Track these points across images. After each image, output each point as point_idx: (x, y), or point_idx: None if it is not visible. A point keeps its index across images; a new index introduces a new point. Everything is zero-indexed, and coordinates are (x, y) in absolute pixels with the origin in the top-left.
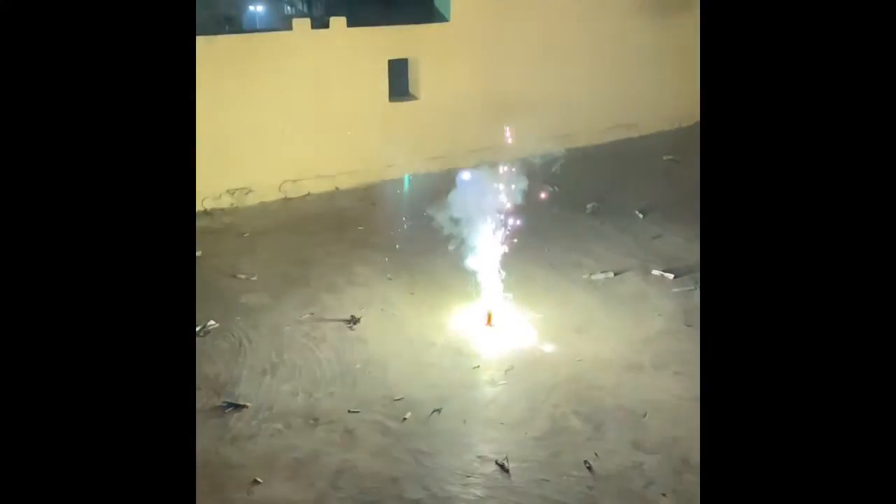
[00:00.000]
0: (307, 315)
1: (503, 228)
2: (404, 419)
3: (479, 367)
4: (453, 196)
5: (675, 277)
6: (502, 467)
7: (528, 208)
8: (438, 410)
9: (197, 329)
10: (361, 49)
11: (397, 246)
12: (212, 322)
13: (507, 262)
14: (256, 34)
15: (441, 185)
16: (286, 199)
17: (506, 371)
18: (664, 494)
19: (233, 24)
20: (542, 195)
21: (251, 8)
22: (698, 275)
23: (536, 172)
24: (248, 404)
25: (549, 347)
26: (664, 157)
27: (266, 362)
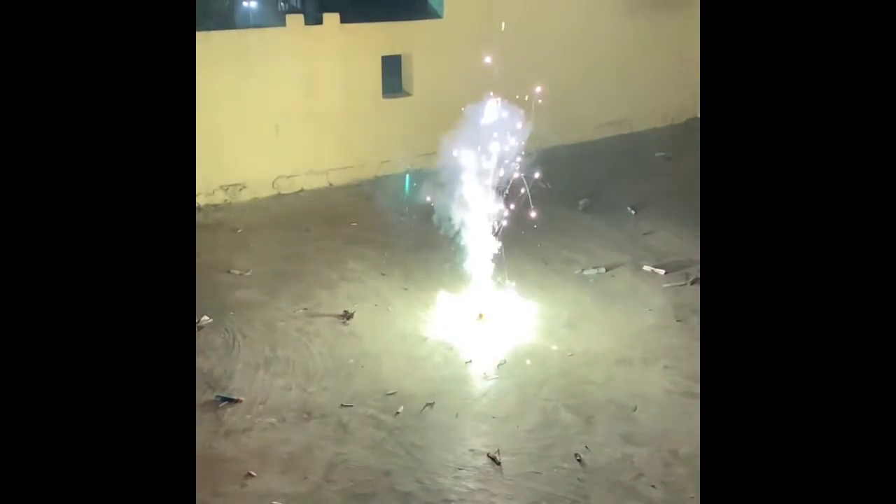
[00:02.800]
0: (301, 310)
1: (495, 221)
2: (397, 413)
3: (471, 361)
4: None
5: (666, 273)
6: (494, 460)
7: (519, 204)
8: (431, 404)
9: None
10: (355, 45)
11: (390, 242)
12: (205, 317)
13: (499, 257)
14: (250, 30)
15: (435, 181)
16: (279, 195)
17: (497, 365)
18: (653, 486)
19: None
20: (534, 190)
21: (244, 3)
22: (689, 270)
23: (529, 168)
24: (241, 399)
25: (540, 342)
26: (656, 154)
27: (260, 357)
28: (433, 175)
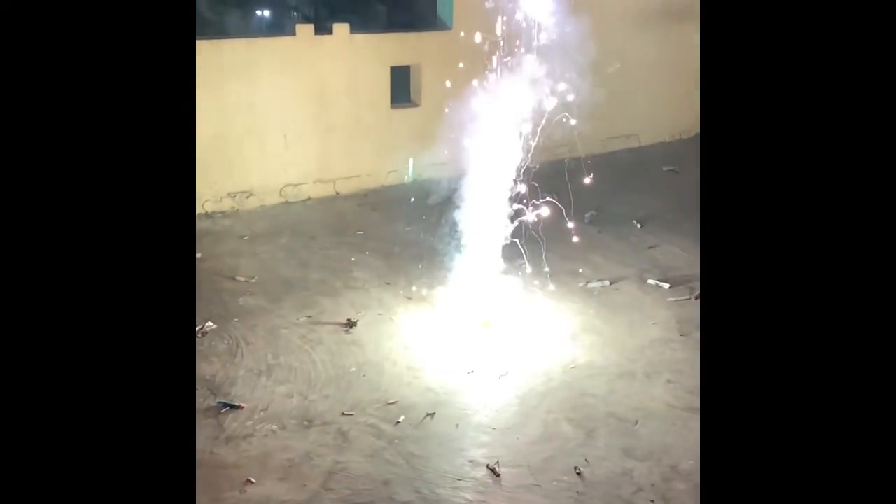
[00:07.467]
0: (304, 318)
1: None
2: (397, 422)
3: (473, 372)
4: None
5: (670, 287)
6: (493, 472)
7: (526, 217)
8: (431, 415)
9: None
10: (364, 56)
11: (395, 251)
12: (210, 323)
13: (505, 269)
14: (260, 39)
15: (441, 192)
16: (287, 203)
17: (499, 377)
18: (652, 501)
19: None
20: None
21: (258, 13)
22: (694, 285)
23: (536, 181)
24: (243, 405)
25: (543, 354)
26: (664, 168)
27: (262, 364)
28: (442, 185)
